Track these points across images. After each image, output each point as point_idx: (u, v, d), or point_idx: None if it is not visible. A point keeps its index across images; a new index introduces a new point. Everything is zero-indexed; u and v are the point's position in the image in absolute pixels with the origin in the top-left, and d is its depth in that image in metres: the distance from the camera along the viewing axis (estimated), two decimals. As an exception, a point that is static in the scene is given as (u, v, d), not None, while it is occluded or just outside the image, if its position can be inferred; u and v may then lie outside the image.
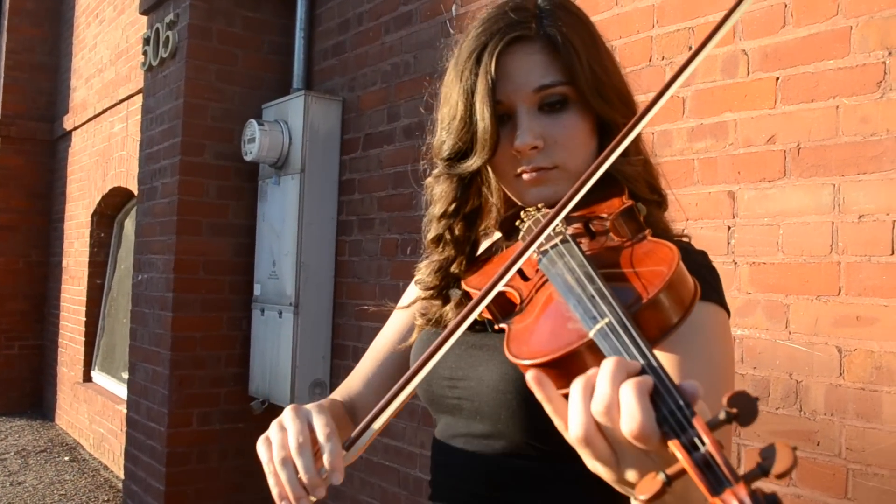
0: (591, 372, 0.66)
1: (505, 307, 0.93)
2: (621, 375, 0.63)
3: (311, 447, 0.86)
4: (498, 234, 1.14)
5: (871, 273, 1.87)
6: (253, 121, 3.93)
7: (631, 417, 0.60)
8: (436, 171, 1.12)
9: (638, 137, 1.02)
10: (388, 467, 3.50)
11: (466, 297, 1.07)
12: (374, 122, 3.80)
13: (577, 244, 0.87)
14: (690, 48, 2.32)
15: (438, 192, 1.12)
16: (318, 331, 3.94)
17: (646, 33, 2.45)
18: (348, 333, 3.90)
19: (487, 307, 0.95)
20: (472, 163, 1.04)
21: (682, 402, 0.60)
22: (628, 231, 0.95)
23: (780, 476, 0.54)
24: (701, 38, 2.28)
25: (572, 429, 0.65)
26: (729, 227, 2.18)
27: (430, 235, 1.13)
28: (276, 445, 0.87)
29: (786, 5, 2.08)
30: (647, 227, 0.95)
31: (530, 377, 0.69)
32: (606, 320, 0.69)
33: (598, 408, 0.63)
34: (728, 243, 2.17)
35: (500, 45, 1.00)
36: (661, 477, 0.58)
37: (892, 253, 1.83)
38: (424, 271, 1.14)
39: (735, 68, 2.19)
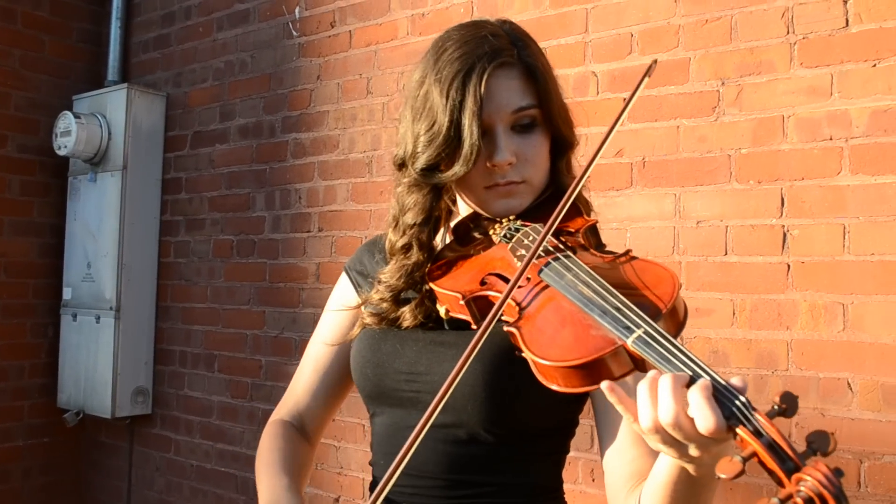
0: (651, 374, 0.78)
1: (484, 309, 1.01)
2: (680, 388, 0.75)
3: None
4: (448, 239, 1.21)
5: (708, 271, 2.17)
6: (68, 113, 3.67)
7: (705, 419, 0.71)
8: (407, 180, 1.17)
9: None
10: (224, 473, 3.42)
11: (430, 297, 1.14)
12: (203, 119, 3.69)
13: (578, 258, 0.96)
14: (543, 67, 2.53)
15: (411, 201, 1.17)
16: (141, 336, 3.75)
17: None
18: (174, 338, 3.75)
19: (469, 308, 1.04)
20: (452, 173, 1.10)
21: (742, 399, 0.71)
22: (594, 245, 1.07)
23: (827, 454, 0.66)
24: (554, 58, 2.51)
25: (643, 423, 0.77)
26: (580, 231, 2.42)
27: (401, 243, 1.18)
28: None
29: (632, 34, 2.35)
30: None
31: (606, 387, 0.79)
32: (642, 330, 0.79)
33: (667, 420, 0.75)
34: (580, 245, 2.40)
35: (489, 69, 1.09)
36: (737, 459, 0.68)
37: (726, 253, 2.14)
38: (392, 275, 1.17)
39: (586, 88, 2.44)
